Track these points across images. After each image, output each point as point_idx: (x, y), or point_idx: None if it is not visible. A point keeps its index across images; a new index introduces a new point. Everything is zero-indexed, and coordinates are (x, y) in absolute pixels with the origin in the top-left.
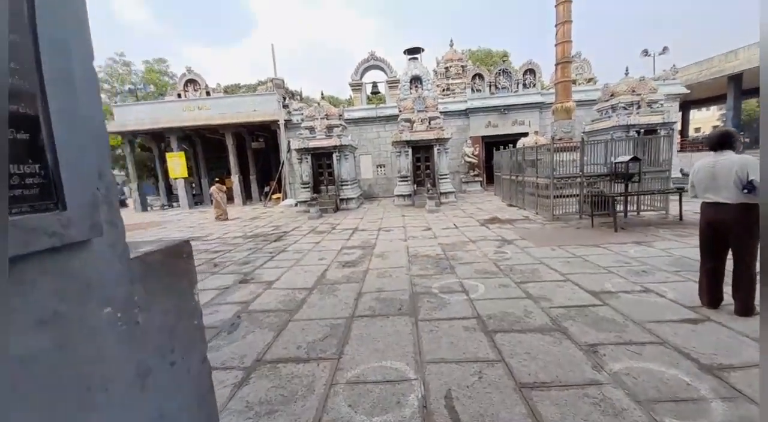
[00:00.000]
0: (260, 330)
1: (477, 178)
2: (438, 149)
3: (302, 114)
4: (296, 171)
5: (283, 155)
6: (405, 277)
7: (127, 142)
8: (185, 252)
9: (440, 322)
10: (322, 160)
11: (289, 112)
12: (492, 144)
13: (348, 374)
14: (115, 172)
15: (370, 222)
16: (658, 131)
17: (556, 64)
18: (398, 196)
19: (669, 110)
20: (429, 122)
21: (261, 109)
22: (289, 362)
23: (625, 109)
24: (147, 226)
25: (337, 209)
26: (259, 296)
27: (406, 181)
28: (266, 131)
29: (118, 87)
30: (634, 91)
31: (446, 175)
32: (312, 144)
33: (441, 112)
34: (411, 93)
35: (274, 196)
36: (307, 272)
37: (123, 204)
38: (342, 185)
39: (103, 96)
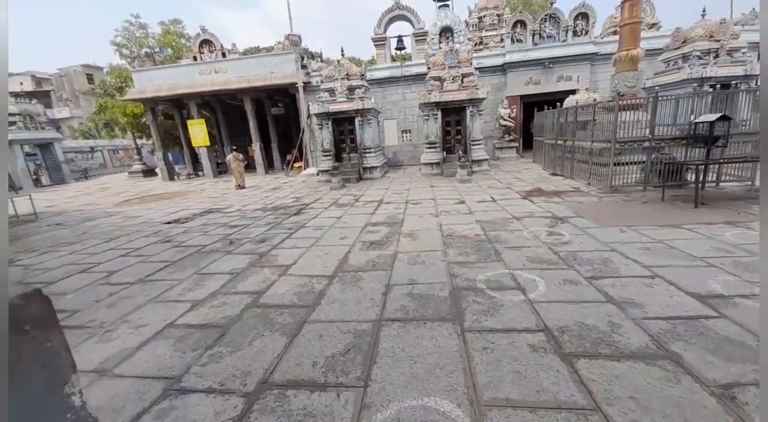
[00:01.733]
0: (270, 335)
1: (512, 144)
2: (471, 111)
3: (321, 75)
4: (317, 138)
5: (303, 121)
6: (441, 265)
7: (149, 109)
8: None
9: (495, 336)
10: (343, 126)
11: (308, 74)
12: (532, 104)
13: (378, 416)
14: (143, 140)
15: (396, 194)
16: (738, 85)
17: (623, 2)
18: (425, 164)
19: (752, 60)
20: (462, 80)
21: (278, 71)
22: (301, 387)
23: (700, 58)
24: (172, 196)
25: (360, 178)
26: (272, 285)
27: (435, 147)
28: (285, 95)
29: (136, 51)
30: (712, 37)
31: (479, 140)
32: (332, 108)
33: (475, 69)
34: (441, 47)
35: (296, 165)
36: (328, 254)
37: (153, 172)
38: (365, 153)
39: (123, 61)
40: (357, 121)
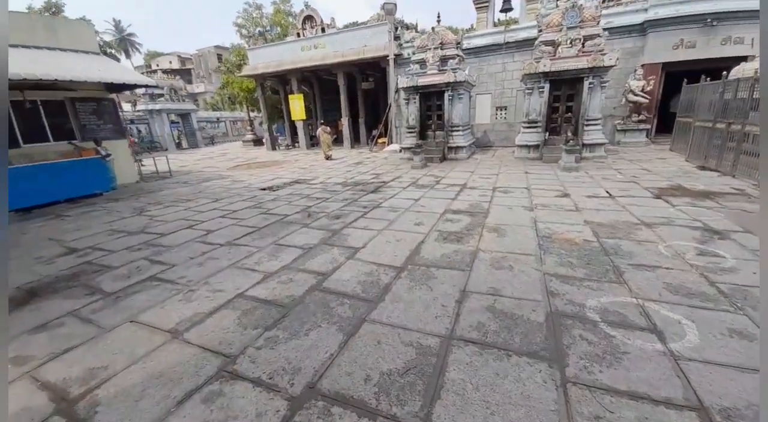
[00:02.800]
0: (327, 328)
1: (642, 126)
2: (590, 83)
3: (414, 46)
4: (403, 114)
5: (391, 96)
6: (535, 275)
7: (259, 84)
8: None
9: (615, 400)
10: (431, 101)
11: (400, 46)
12: (678, 75)
13: None
14: (254, 113)
15: (483, 179)
16: None
17: None
18: (521, 146)
19: None
20: (583, 44)
21: (372, 44)
22: (349, 406)
23: None
24: (271, 165)
25: (444, 158)
26: (339, 268)
27: (536, 127)
28: (377, 69)
29: (252, 30)
30: None
31: (597, 119)
32: (421, 81)
33: (603, 29)
34: (558, 4)
35: (380, 141)
36: (400, 241)
37: (261, 142)
38: (452, 130)
39: (242, 41)
40: (447, 95)
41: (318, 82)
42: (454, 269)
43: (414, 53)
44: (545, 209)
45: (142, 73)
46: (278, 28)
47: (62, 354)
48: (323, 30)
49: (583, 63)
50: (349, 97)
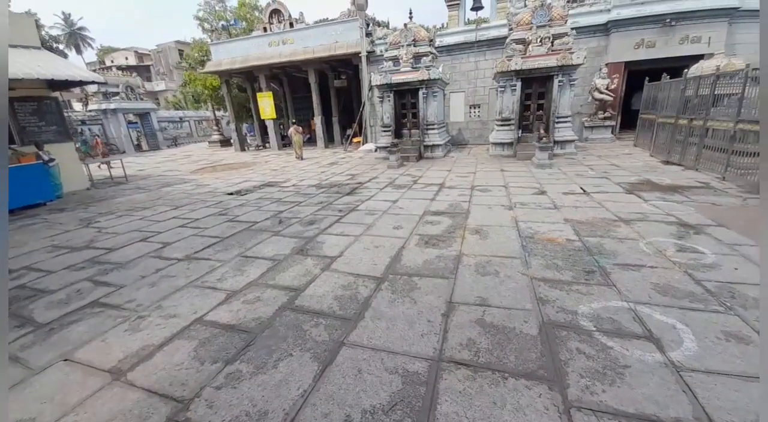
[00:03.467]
0: (300, 356)
1: (608, 123)
2: (560, 81)
3: (386, 43)
4: (377, 112)
5: (365, 94)
6: (522, 280)
7: (224, 82)
8: None
9: None
10: (406, 99)
11: (372, 42)
12: (640, 73)
13: None
14: (221, 112)
15: (460, 177)
16: None
17: None
18: (495, 143)
19: None
20: (552, 42)
21: (343, 40)
22: None
23: None
24: (239, 167)
25: (420, 157)
26: (313, 281)
27: (508, 124)
28: (349, 67)
29: (215, 24)
30: None
31: (567, 117)
32: (395, 78)
33: (571, 28)
34: (527, 3)
35: (355, 140)
36: (378, 248)
37: (229, 142)
38: (428, 129)
39: (204, 36)
40: (421, 93)
41: (288, 79)
42: (438, 277)
43: (387, 50)
44: (524, 208)
45: (94, 70)
46: (243, 23)
47: None
48: (291, 25)
49: (552, 61)
50: (322, 96)
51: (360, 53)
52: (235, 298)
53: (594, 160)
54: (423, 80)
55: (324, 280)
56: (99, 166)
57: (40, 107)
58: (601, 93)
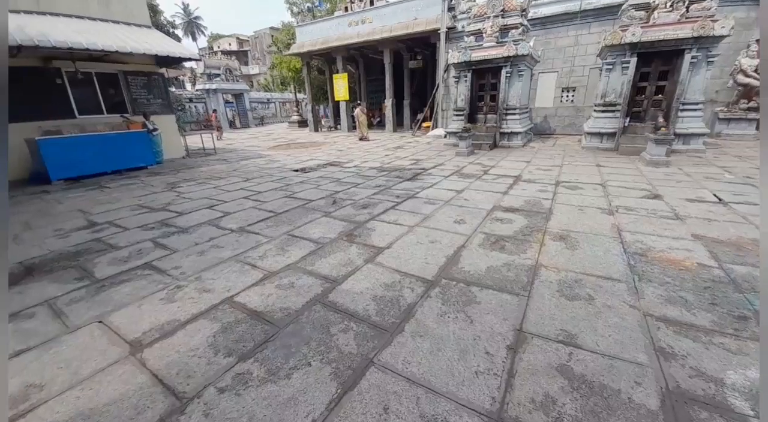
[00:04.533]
0: (318, 369)
1: (752, 115)
2: (694, 57)
3: (470, 16)
4: (452, 95)
5: (440, 74)
6: (630, 315)
7: (305, 64)
8: None
9: None
10: (485, 79)
11: (454, 17)
12: None
13: None
14: (301, 94)
15: (542, 171)
16: None
17: None
18: (591, 133)
19: None
20: (687, 7)
21: (423, 16)
22: None
23: None
24: (310, 146)
25: (494, 146)
26: (353, 274)
27: (613, 111)
28: (426, 46)
29: (301, 6)
30: None
31: (698, 103)
32: (476, 55)
33: None
34: None
35: (425, 125)
36: (434, 243)
37: (305, 123)
38: (507, 114)
39: (293, 20)
40: (504, 72)
41: (364, 60)
42: (506, 291)
43: (469, 24)
44: (631, 214)
45: (203, 55)
46: (327, 3)
47: (14, 357)
48: (371, 3)
49: (686, 31)
50: (395, 77)
51: (439, 30)
52: (270, 280)
53: (731, 161)
54: (508, 57)
55: (366, 274)
56: (219, 137)
57: (150, 81)
58: (748, 76)
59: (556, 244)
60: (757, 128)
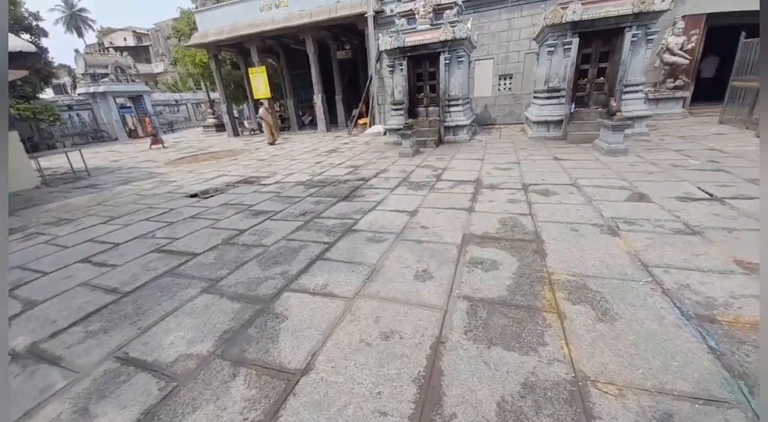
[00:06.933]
0: None
1: (679, 93)
2: (634, 35)
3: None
4: (387, 87)
5: (372, 65)
6: None
7: (212, 56)
8: None
9: None
10: (423, 67)
11: (381, 1)
12: (723, 30)
13: None
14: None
15: (501, 170)
16: None
17: None
18: (538, 122)
19: None
20: None
21: (346, 1)
22: None
23: None
24: (223, 156)
25: (440, 142)
26: None
27: (557, 96)
28: (354, 35)
29: None
30: None
31: (639, 84)
32: (410, 39)
33: None
34: None
35: (360, 122)
36: (389, 341)
37: (224, 127)
38: (450, 105)
39: (193, 5)
40: (443, 58)
41: (285, 52)
42: None
43: (399, 3)
44: (638, 231)
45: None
46: None
47: None
48: None
49: (627, 7)
50: (323, 70)
51: (366, 13)
52: None
53: (679, 143)
54: (446, 41)
55: None
56: (159, 147)
57: None
58: (674, 54)
59: (580, 313)
60: (683, 106)
